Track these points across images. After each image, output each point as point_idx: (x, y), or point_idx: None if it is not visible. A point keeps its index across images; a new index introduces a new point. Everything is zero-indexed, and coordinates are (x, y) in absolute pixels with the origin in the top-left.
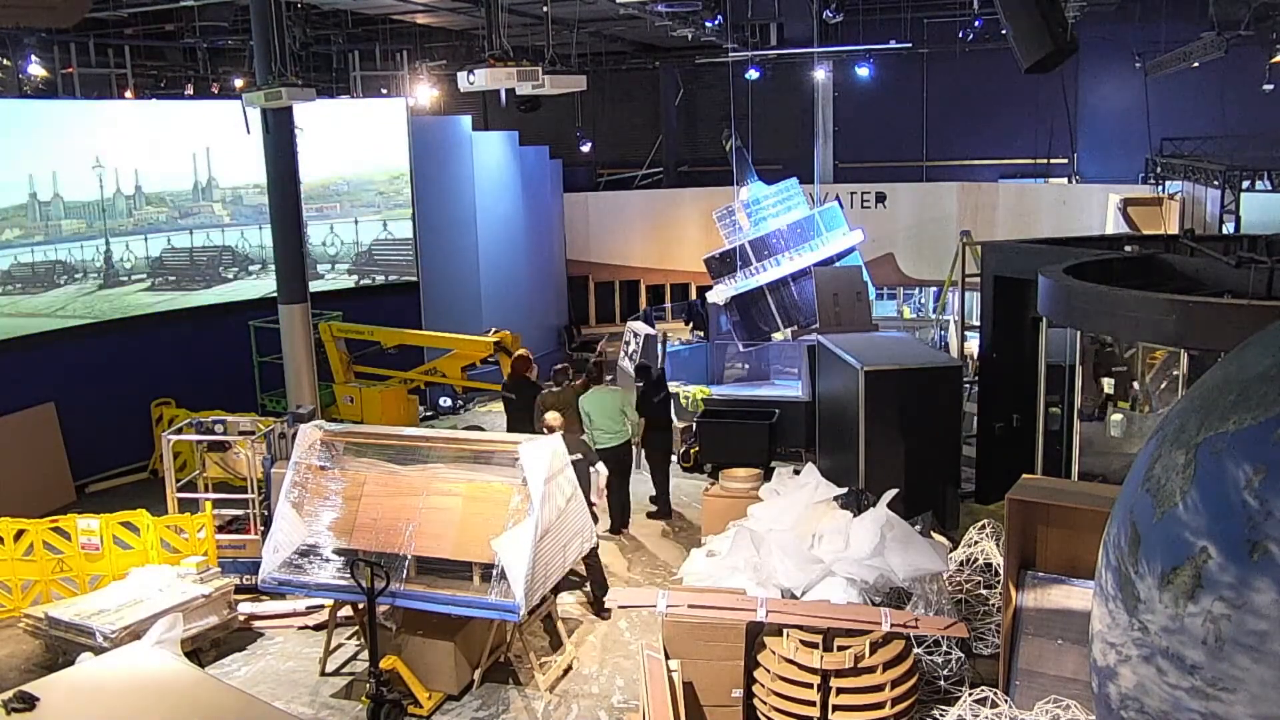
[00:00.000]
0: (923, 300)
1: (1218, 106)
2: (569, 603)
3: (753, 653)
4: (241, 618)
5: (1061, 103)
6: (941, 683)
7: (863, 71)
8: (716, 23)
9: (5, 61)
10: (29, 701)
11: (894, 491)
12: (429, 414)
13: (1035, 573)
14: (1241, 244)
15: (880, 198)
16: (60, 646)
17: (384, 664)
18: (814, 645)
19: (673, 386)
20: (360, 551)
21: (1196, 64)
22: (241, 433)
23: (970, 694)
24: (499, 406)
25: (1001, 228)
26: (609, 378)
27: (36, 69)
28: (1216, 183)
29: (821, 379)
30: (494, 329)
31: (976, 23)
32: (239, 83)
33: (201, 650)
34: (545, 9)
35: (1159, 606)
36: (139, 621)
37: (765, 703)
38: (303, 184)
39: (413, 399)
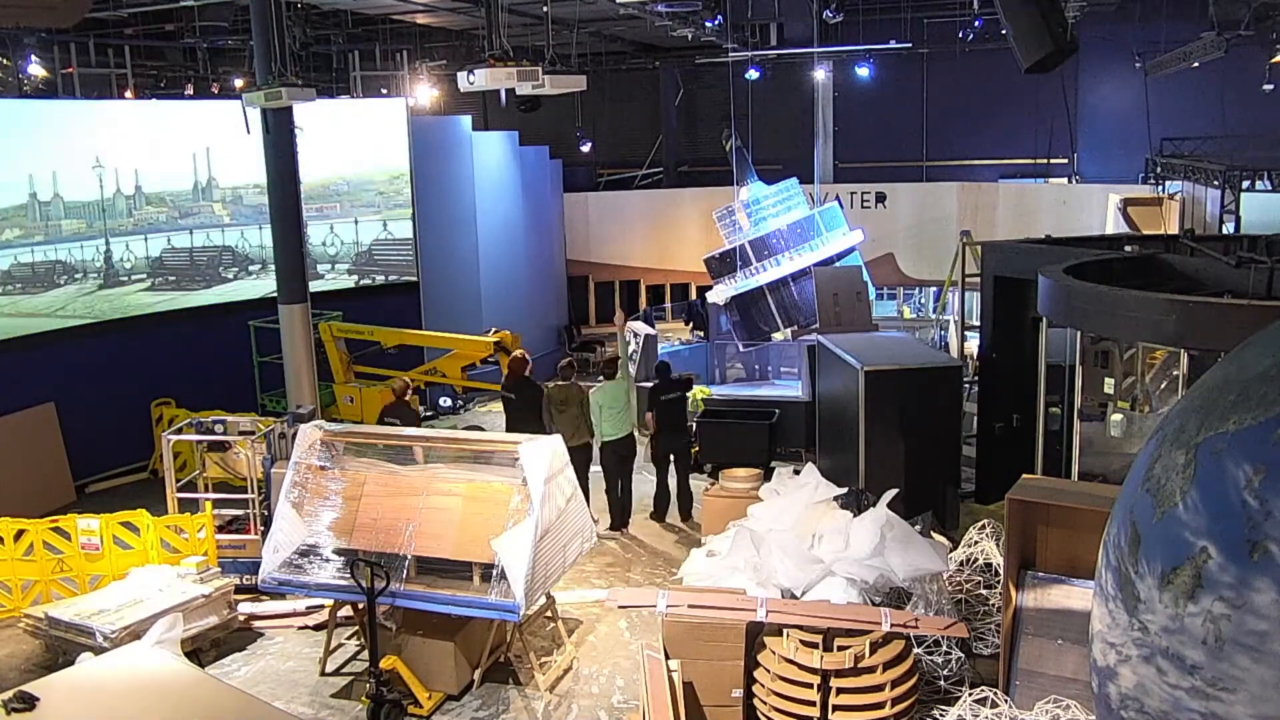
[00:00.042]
0: (923, 300)
1: (1218, 106)
2: (569, 603)
3: (753, 653)
4: (241, 618)
5: (1061, 103)
6: (941, 683)
7: (863, 71)
8: (716, 23)
9: (5, 61)
10: (29, 701)
11: (894, 491)
12: (429, 414)
13: (1035, 573)
14: (1241, 244)
15: (880, 198)
16: (60, 646)
17: (384, 664)
18: (814, 645)
19: None
20: (360, 551)
21: (1196, 64)
22: (241, 433)
23: (970, 694)
24: (499, 406)
25: (1001, 228)
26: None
27: (36, 69)
28: (1216, 183)
29: (821, 379)
30: (494, 329)
31: (976, 23)
32: (239, 83)
33: (201, 650)
34: (545, 9)
35: (1159, 606)
36: (139, 621)
37: (765, 703)
38: (303, 184)
39: (413, 398)
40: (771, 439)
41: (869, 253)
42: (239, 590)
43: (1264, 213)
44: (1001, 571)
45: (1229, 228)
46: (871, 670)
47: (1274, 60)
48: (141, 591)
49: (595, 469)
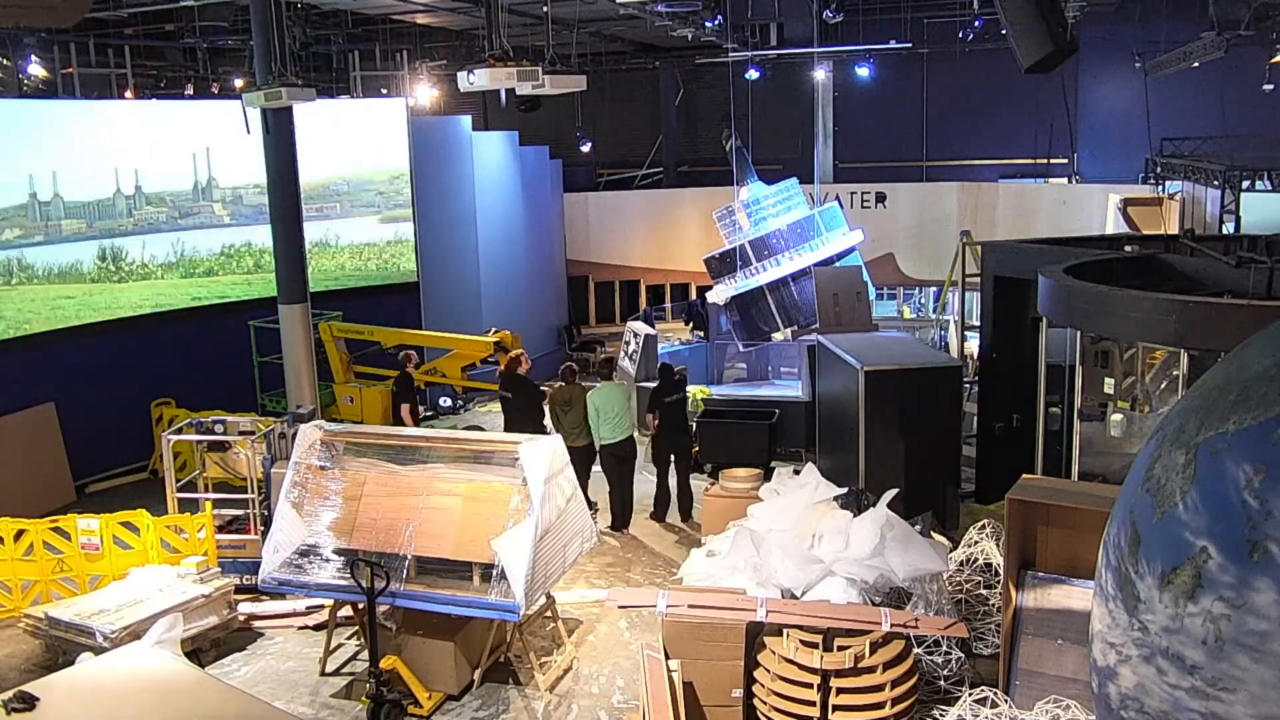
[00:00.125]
0: (923, 300)
1: (1218, 106)
2: (569, 603)
3: (753, 653)
4: (241, 618)
5: (1061, 103)
6: (941, 683)
7: (863, 71)
8: (716, 23)
9: (5, 61)
10: (29, 701)
11: (894, 491)
12: (429, 414)
13: (1035, 573)
14: (1241, 244)
15: (880, 198)
16: (60, 646)
17: (384, 664)
18: (814, 645)
19: None
20: (360, 551)
21: (1196, 64)
22: (241, 433)
23: (970, 694)
24: (499, 406)
25: (1001, 228)
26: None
27: (36, 69)
28: (1216, 183)
29: (821, 379)
30: (494, 329)
31: (976, 23)
32: (239, 83)
33: (201, 650)
34: (545, 9)
35: (1159, 606)
36: (139, 621)
37: (765, 703)
38: (303, 184)
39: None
40: (771, 439)
41: (869, 253)
42: (239, 590)
43: (1264, 213)
44: (1001, 571)
45: (1229, 228)
46: (871, 670)
47: (1274, 60)
48: (141, 591)
49: (596, 469)
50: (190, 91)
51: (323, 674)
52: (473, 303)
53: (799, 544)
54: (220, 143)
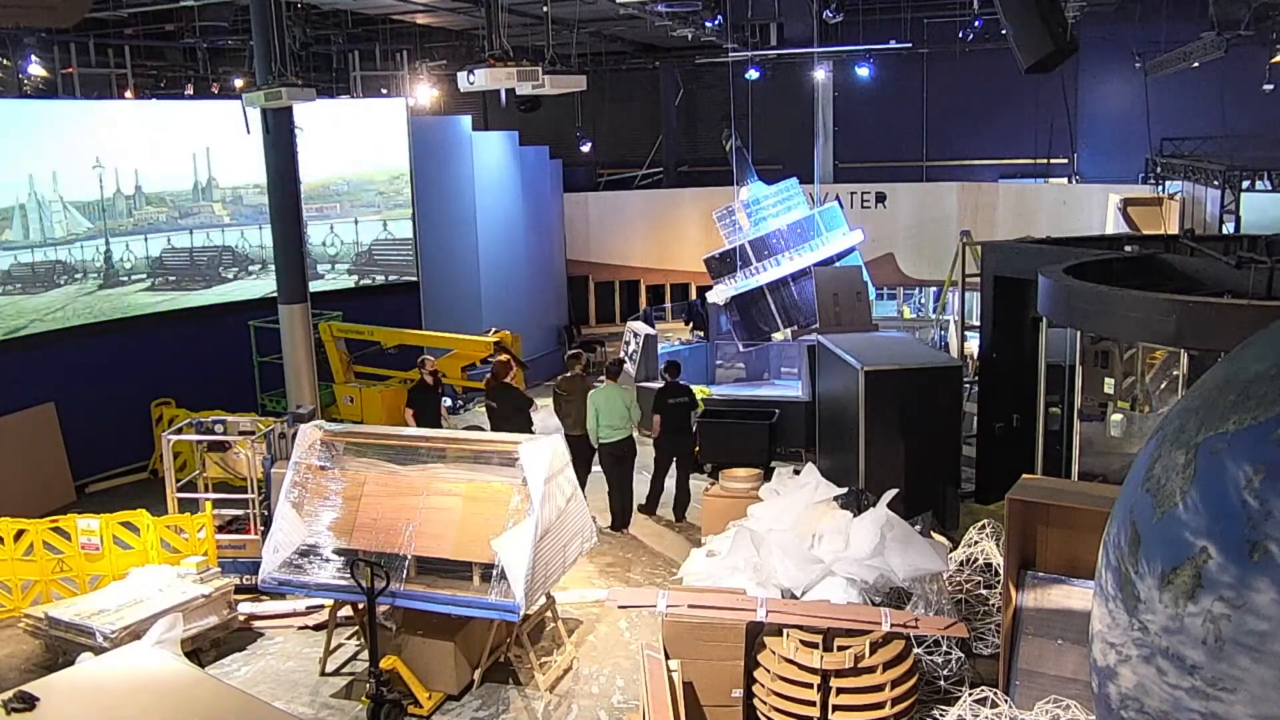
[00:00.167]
0: (923, 300)
1: (1218, 106)
2: (569, 603)
3: (753, 653)
4: (241, 618)
5: (1061, 103)
6: (941, 683)
7: (863, 71)
8: (716, 23)
9: (5, 61)
10: (29, 701)
11: (894, 491)
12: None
13: (1035, 573)
14: (1241, 244)
15: (880, 198)
16: (60, 646)
17: (384, 664)
18: (814, 645)
19: None
20: (360, 551)
21: (1196, 64)
22: (241, 433)
23: (970, 694)
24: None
25: (1001, 228)
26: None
27: (36, 69)
28: (1216, 183)
29: (821, 379)
30: (494, 329)
31: (976, 23)
32: (239, 83)
33: (201, 650)
34: (545, 9)
35: (1159, 606)
36: (139, 621)
37: (765, 703)
38: (303, 184)
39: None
40: (771, 439)
41: (869, 253)
42: (239, 590)
43: (1264, 213)
44: (1001, 571)
45: (1229, 228)
46: (871, 670)
47: (1274, 60)
48: (141, 591)
49: (595, 469)
50: (190, 91)
51: (323, 674)
52: (473, 303)
53: (799, 544)
54: (220, 143)
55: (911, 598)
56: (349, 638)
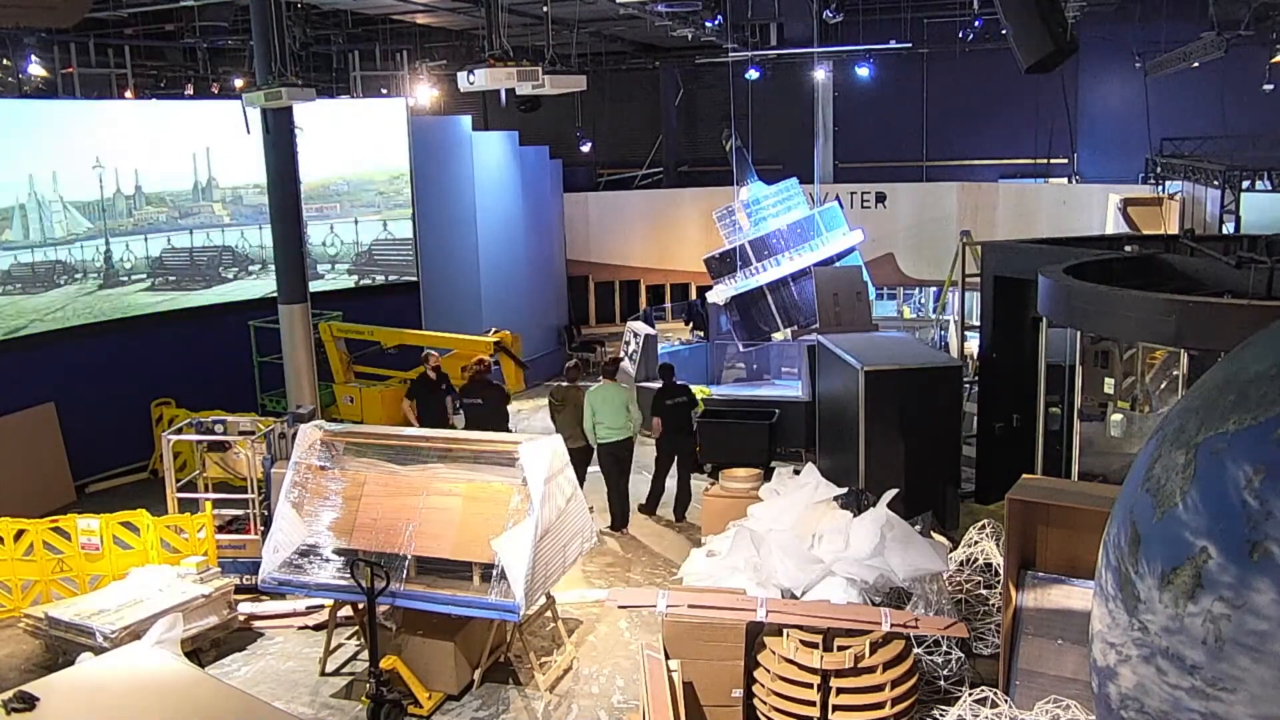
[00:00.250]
0: (923, 300)
1: (1218, 106)
2: (569, 603)
3: (753, 653)
4: (241, 618)
5: (1061, 103)
6: (941, 683)
7: (863, 71)
8: (716, 23)
9: (5, 61)
10: (29, 701)
11: (894, 491)
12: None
13: (1035, 573)
14: (1241, 244)
15: (880, 198)
16: (60, 646)
17: (384, 664)
18: (814, 645)
19: None
20: (360, 551)
21: (1196, 64)
22: (241, 433)
23: (970, 694)
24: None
25: (1001, 228)
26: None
27: (36, 69)
28: (1216, 183)
29: (821, 379)
30: (494, 329)
31: (976, 23)
32: (239, 83)
33: (201, 650)
34: (545, 9)
35: (1159, 606)
36: (139, 621)
37: (765, 703)
38: (303, 184)
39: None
40: (771, 439)
41: (869, 253)
42: (239, 590)
43: (1264, 213)
44: (1001, 571)
45: (1229, 228)
46: (871, 670)
47: (1274, 60)
48: (141, 591)
49: (593, 469)
50: (190, 91)
51: (323, 674)
52: (473, 303)
53: (799, 544)
54: (220, 143)
55: (911, 598)
56: (349, 638)
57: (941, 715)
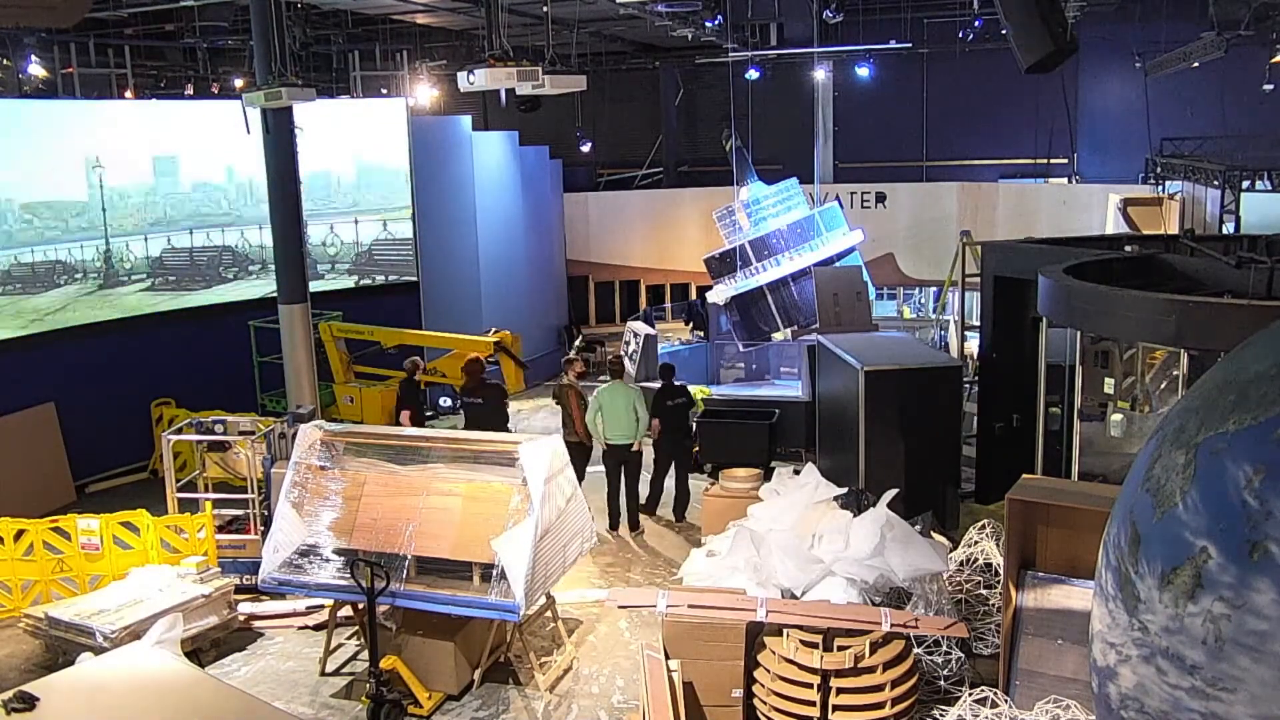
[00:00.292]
0: (923, 300)
1: (1218, 106)
2: (569, 603)
3: (753, 653)
4: (241, 618)
5: (1061, 103)
6: (941, 683)
7: (863, 71)
8: (716, 23)
9: (5, 61)
10: (29, 701)
11: (894, 491)
12: (429, 414)
13: (1035, 573)
14: (1241, 244)
15: (880, 198)
16: (60, 646)
17: (384, 664)
18: (814, 645)
19: None
20: (360, 551)
21: (1196, 64)
22: (241, 433)
23: (970, 694)
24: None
25: (1001, 228)
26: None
27: (36, 69)
28: (1216, 183)
29: (821, 379)
30: (494, 329)
31: (976, 23)
32: (239, 83)
33: (201, 650)
34: (545, 9)
35: (1159, 606)
36: (139, 621)
37: (765, 703)
38: (303, 184)
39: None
40: (771, 439)
41: (869, 253)
42: (239, 590)
43: (1264, 213)
44: (1001, 571)
45: (1229, 228)
46: (871, 670)
47: (1274, 60)
48: (141, 591)
49: (593, 469)
50: (190, 91)
51: (323, 674)
52: (473, 303)
53: (799, 544)
54: (220, 143)
55: (911, 598)
56: (349, 638)
57: (941, 715)
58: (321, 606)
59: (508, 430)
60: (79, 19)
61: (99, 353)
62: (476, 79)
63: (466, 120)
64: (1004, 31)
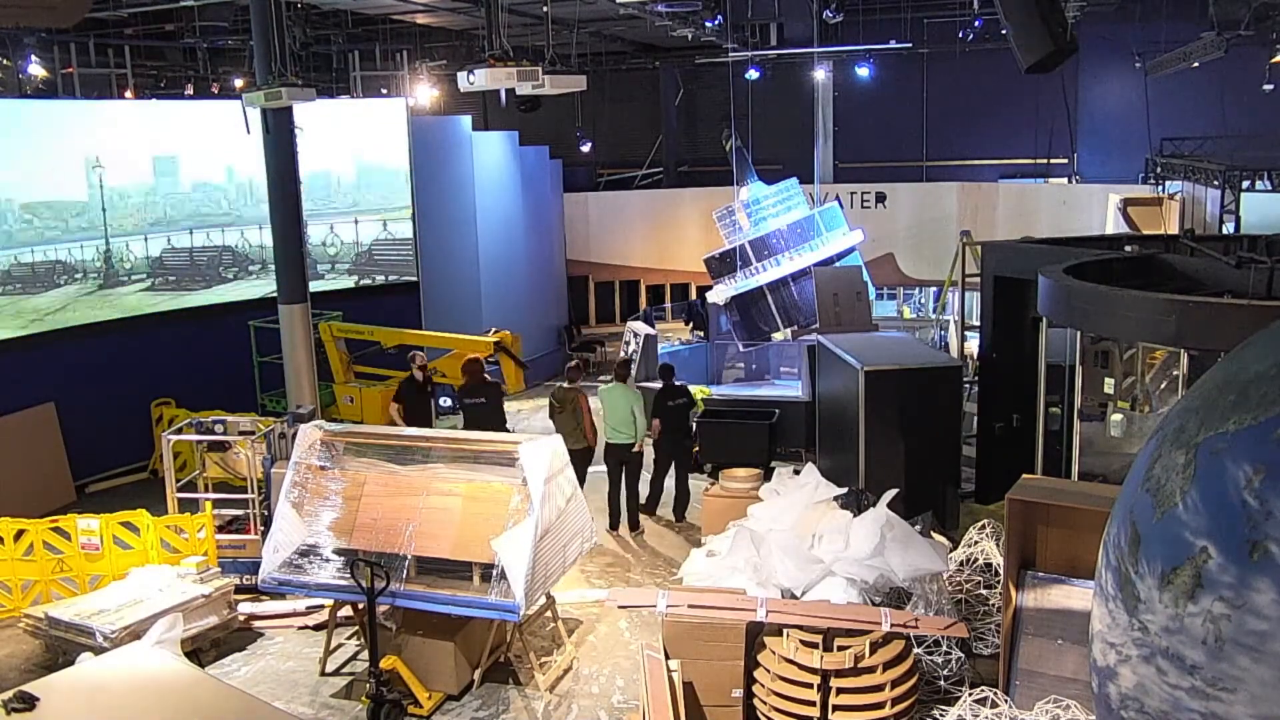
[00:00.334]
0: (923, 300)
1: (1218, 106)
2: (569, 603)
3: (753, 653)
4: (241, 618)
5: (1061, 103)
6: (941, 683)
7: (863, 71)
8: (716, 23)
9: (5, 61)
10: (29, 701)
11: (894, 491)
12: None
13: (1035, 573)
14: (1241, 244)
15: (880, 198)
16: (60, 646)
17: (384, 664)
18: (814, 645)
19: None
20: (360, 551)
21: (1196, 64)
22: (241, 433)
23: (970, 694)
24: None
25: (1001, 228)
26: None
27: (36, 69)
28: (1216, 183)
29: (821, 379)
30: (494, 329)
31: (976, 23)
32: (239, 83)
33: (201, 650)
34: (545, 9)
35: (1159, 606)
36: (139, 621)
37: (765, 703)
38: (303, 184)
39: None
40: (771, 439)
41: (869, 253)
42: (239, 590)
43: (1264, 213)
44: (1001, 571)
45: (1229, 228)
46: (871, 670)
47: (1274, 60)
48: (141, 591)
49: (594, 469)
50: (190, 91)
51: (323, 674)
52: (473, 303)
53: (799, 544)
54: (220, 143)
55: (911, 598)
56: (349, 638)
57: (941, 715)
58: (321, 606)
59: (506, 430)
60: (79, 19)
61: (99, 353)
62: (476, 79)
63: (466, 120)
64: (1004, 31)
